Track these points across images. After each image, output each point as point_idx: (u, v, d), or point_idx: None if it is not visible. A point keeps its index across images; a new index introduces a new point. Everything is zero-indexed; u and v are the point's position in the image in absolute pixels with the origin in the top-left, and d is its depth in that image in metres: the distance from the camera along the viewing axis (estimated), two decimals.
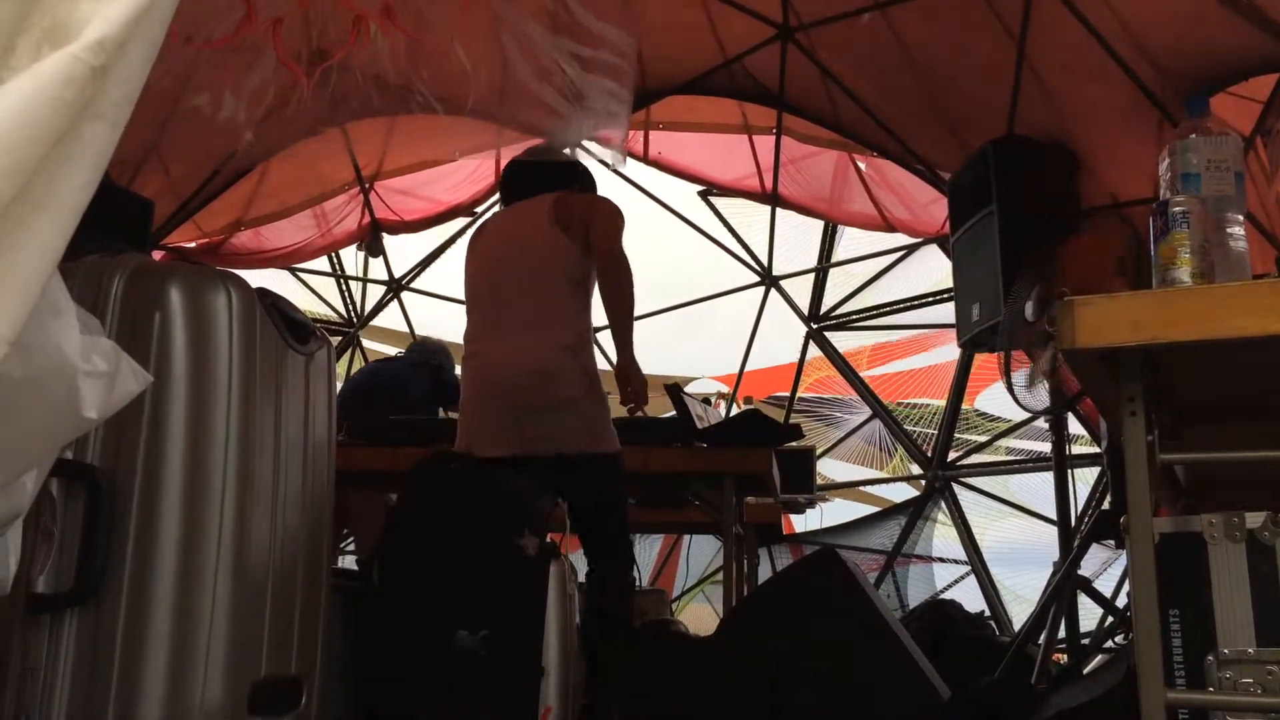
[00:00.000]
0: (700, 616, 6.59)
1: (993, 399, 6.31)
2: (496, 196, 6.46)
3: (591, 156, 6.15)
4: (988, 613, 5.66)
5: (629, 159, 6.22)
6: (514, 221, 3.26)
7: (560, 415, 2.97)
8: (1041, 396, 3.78)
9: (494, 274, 3.18)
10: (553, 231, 3.10)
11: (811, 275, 6.98)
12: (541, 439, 2.95)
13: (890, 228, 6.03)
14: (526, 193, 3.28)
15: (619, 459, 3.07)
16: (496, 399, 2.99)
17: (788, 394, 7.14)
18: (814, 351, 7.03)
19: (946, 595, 6.23)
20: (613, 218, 3.15)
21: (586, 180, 3.41)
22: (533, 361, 2.98)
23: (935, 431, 6.60)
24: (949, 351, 6.46)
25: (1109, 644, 3.85)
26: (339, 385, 5.02)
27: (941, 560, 6.57)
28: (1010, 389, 3.85)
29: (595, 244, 3.10)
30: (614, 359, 3.11)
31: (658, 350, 7.06)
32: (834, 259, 6.88)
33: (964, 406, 6.47)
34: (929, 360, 6.79)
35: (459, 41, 3.05)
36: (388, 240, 6.79)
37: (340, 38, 2.99)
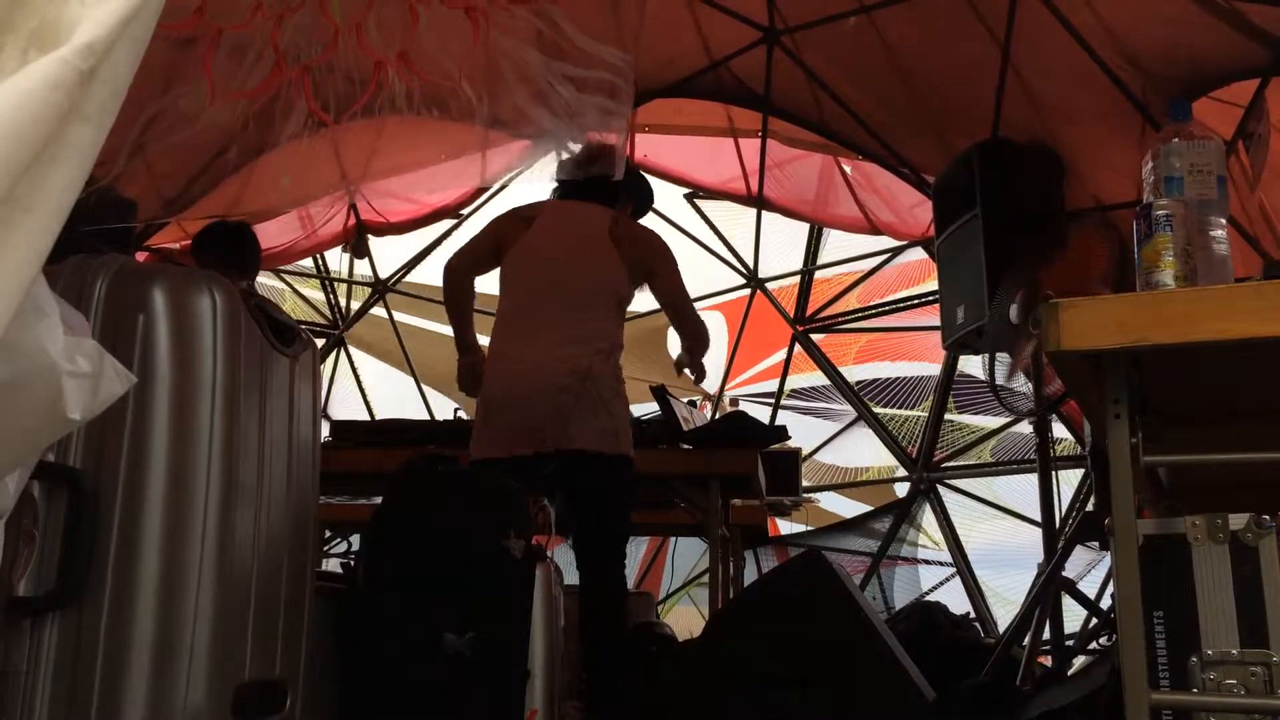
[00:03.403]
0: (686, 619, 6.59)
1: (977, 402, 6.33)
2: (482, 199, 6.50)
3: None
4: (973, 614, 5.67)
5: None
6: (572, 227, 3.31)
7: (597, 417, 3.07)
8: (1019, 384, 3.79)
9: (546, 277, 3.24)
10: (612, 254, 3.24)
11: (797, 278, 6.99)
12: (579, 438, 3.04)
13: (875, 230, 6.04)
14: (582, 192, 3.37)
15: (633, 464, 3.18)
16: (532, 399, 3.05)
17: (776, 381, 7.15)
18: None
19: (931, 597, 6.24)
20: (676, 266, 3.38)
21: (638, 193, 3.57)
22: (572, 363, 3.07)
23: (923, 416, 6.61)
24: (934, 354, 6.48)
25: (1093, 645, 3.86)
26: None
27: (926, 562, 6.58)
28: (995, 392, 3.87)
29: (670, 298, 3.37)
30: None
31: (642, 353, 7.06)
32: (819, 262, 6.89)
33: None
34: (913, 369, 6.80)
35: (466, 79, 3.10)
36: (373, 242, 6.77)
37: (362, 77, 3.07)
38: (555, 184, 3.54)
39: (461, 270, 3.38)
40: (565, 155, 3.43)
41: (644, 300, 3.57)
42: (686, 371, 3.50)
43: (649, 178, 4.20)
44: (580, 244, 3.28)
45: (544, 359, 3.09)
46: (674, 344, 7.40)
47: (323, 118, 3.06)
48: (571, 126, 3.15)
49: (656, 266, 3.34)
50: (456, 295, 3.39)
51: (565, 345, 3.11)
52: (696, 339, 3.45)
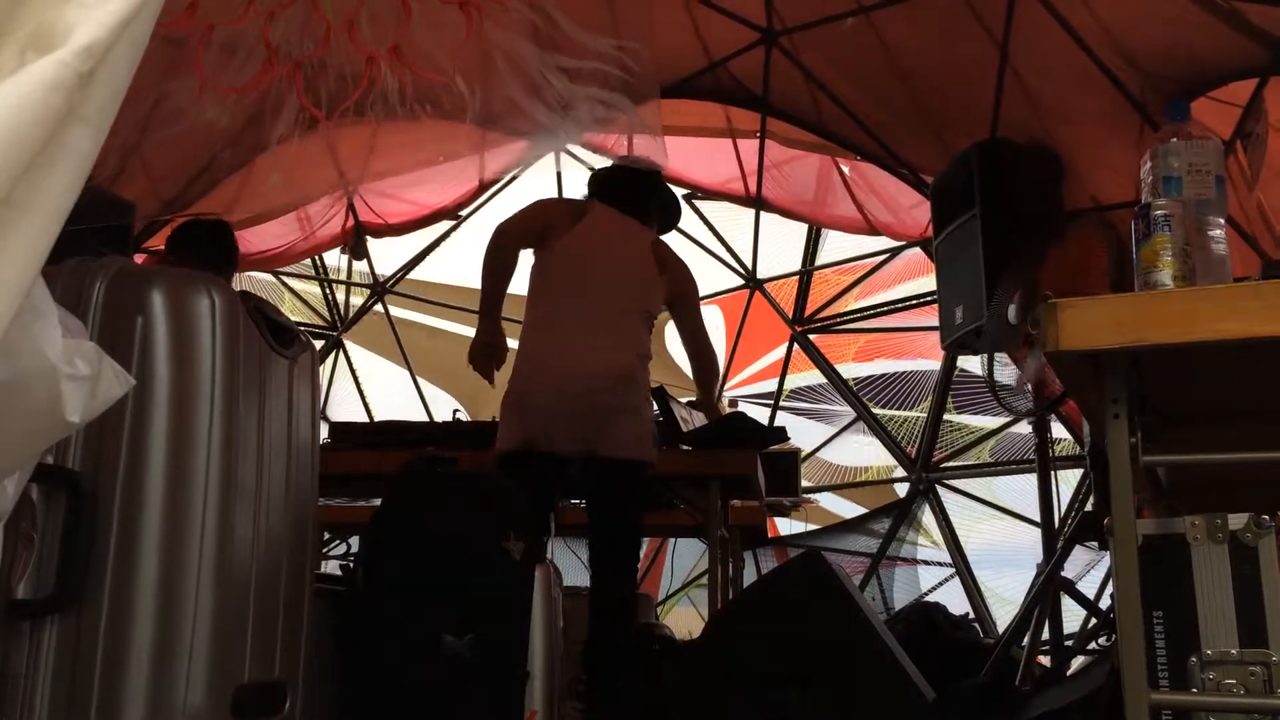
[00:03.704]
0: (685, 620, 6.59)
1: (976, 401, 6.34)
2: (482, 200, 6.50)
3: (579, 162, 6.18)
4: (972, 615, 5.67)
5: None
6: (621, 236, 3.36)
7: (633, 421, 3.12)
8: (1018, 384, 3.80)
9: (594, 278, 3.26)
10: (655, 274, 3.33)
11: (795, 278, 7.00)
12: (615, 441, 3.08)
13: (874, 231, 6.04)
14: (622, 202, 3.40)
15: (652, 469, 3.25)
16: (574, 398, 3.07)
17: (775, 380, 7.16)
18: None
19: (931, 597, 6.24)
20: (699, 299, 3.55)
21: (664, 209, 3.60)
22: (616, 365, 3.12)
23: (922, 417, 6.62)
24: (933, 352, 6.48)
25: (1092, 645, 3.86)
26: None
27: (926, 563, 6.58)
28: (994, 392, 3.87)
29: (694, 330, 3.50)
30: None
31: None
32: (818, 262, 6.89)
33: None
34: (913, 365, 6.81)
35: (459, 73, 3.11)
36: (371, 243, 6.77)
37: (354, 72, 3.07)
38: (589, 175, 3.62)
39: (512, 238, 3.33)
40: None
41: None
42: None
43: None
44: (628, 255, 3.33)
45: (588, 358, 3.11)
46: (672, 341, 7.44)
47: (314, 113, 3.07)
48: (566, 120, 3.16)
49: (686, 297, 3.47)
50: (503, 262, 3.32)
51: (609, 347, 3.14)
52: (710, 371, 3.62)
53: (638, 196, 3.46)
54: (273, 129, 3.08)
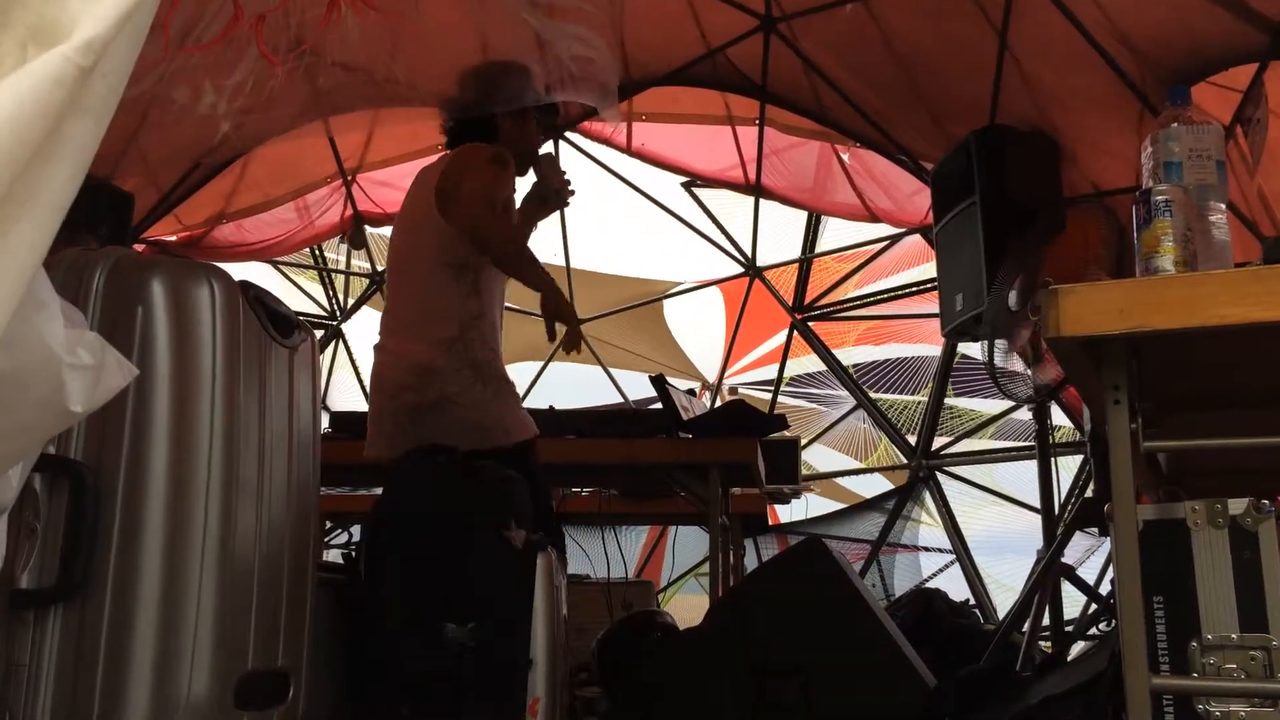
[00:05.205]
0: (688, 607, 6.60)
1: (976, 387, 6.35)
2: None
3: (580, 151, 6.17)
4: (972, 601, 5.69)
5: (614, 150, 6.21)
6: (410, 199, 3.01)
7: (444, 413, 2.79)
8: (1019, 370, 3.80)
9: (390, 264, 3.10)
10: (432, 211, 2.80)
11: (795, 266, 6.99)
12: (429, 439, 2.79)
13: (874, 218, 6.04)
14: (455, 142, 3.04)
15: (527, 448, 2.89)
16: (386, 399, 2.90)
17: (775, 366, 7.17)
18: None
19: (931, 584, 6.26)
20: (475, 165, 2.80)
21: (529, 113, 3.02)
22: (412, 360, 2.83)
23: (923, 402, 6.63)
24: (934, 339, 6.49)
25: (1093, 631, 3.88)
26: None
27: (926, 549, 6.60)
28: (994, 378, 3.87)
29: (462, 220, 2.76)
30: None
31: (639, 331, 7.06)
32: (818, 249, 6.90)
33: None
34: (913, 350, 6.82)
35: (426, 11, 3.03)
36: (370, 232, 6.77)
37: (315, 24, 2.99)
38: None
39: None
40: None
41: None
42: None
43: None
44: (409, 215, 2.98)
45: (389, 357, 2.92)
46: (674, 323, 7.43)
47: (271, 60, 2.99)
48: (548, 61, 3.01)
49: (448, 183, 2.78)
50: None
51: (405, 340, 2.88)
52: (503, 261, 2.84)
53: (464, 124, 2.99)
54: (229, 78, 3.00)
